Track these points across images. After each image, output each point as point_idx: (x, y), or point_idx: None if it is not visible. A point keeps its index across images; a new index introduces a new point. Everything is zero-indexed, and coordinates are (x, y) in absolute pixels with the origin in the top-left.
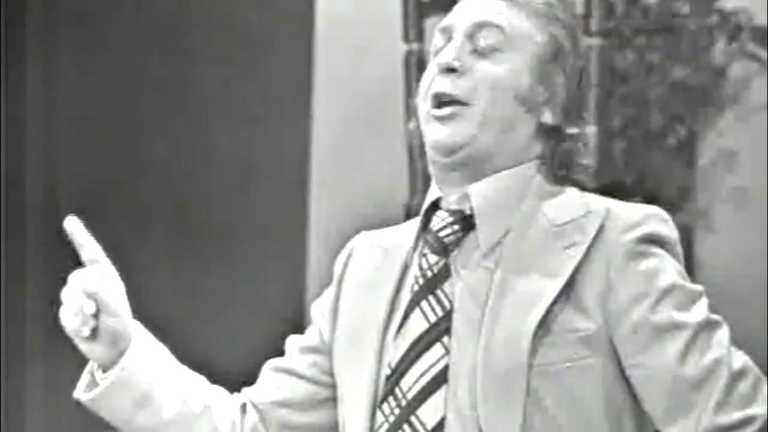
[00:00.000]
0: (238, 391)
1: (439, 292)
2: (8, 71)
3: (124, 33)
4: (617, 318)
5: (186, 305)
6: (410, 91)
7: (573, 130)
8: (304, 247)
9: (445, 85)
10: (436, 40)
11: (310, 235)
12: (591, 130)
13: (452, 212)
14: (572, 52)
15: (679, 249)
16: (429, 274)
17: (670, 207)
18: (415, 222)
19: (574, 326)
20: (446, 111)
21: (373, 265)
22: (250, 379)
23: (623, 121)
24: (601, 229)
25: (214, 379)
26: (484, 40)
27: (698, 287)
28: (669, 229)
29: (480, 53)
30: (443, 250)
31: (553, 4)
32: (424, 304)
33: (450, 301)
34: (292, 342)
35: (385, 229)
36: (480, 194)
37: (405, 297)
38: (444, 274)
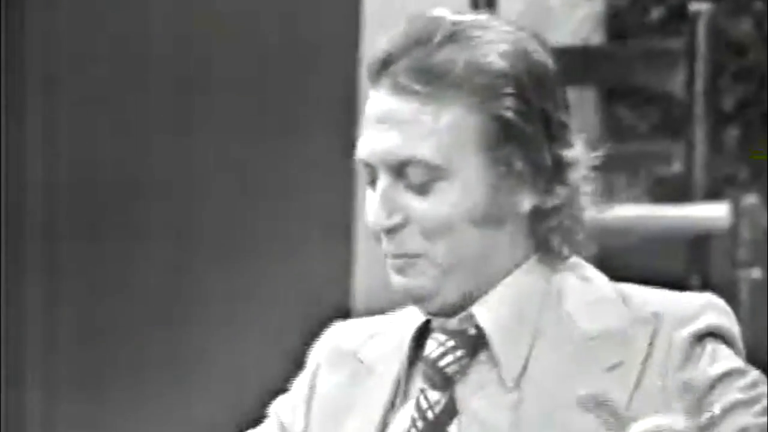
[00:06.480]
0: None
1: None
2: (8, 72)
3: (126, 33)
4: None
5: (191, 304)
6: None
7: (554, 201)
8: (350, 245)
9: (390, 245)
10: (363, 169)
11: (357, 233)
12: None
13: (451, 333)
14: (523, 113)
15: (741, 347)
16: (430, 415)
17: None
18: (400, 324)
19: None
20: (400, 262)
21: (347, 383)
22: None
23: (737, 102)
24: (651, 344)
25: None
26: (413, 177)
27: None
28: (731, 322)
29: (415, 190)
30: (445, 383)
31: (477, 62)
32: None
33: None
34: None
35: (360, 326)
36: (488, 315)
37: None
38: (449, 414)
